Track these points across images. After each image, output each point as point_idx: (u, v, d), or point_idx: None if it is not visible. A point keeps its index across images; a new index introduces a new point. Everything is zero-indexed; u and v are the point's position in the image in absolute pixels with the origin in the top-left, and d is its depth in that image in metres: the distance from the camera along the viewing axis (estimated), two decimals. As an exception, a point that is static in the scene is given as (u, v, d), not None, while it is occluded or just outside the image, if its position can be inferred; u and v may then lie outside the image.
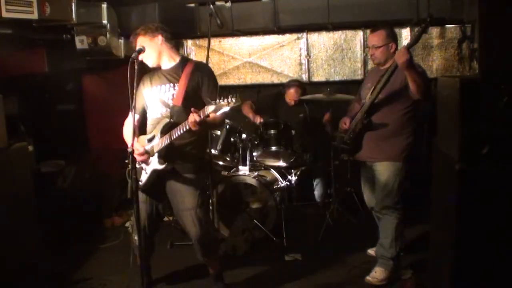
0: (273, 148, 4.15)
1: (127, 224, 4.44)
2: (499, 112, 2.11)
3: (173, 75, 2.86)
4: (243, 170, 4.09)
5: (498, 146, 2.12)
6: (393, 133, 3.10)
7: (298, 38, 5.04)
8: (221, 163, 4.28)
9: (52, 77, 4.53)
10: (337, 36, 4.94)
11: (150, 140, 2.83)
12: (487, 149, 2.12)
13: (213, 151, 3.98)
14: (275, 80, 5.16)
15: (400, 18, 4.35)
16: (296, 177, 4.48)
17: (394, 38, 3.13)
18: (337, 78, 5.01)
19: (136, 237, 2.76)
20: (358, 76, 4.90)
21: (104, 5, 4.18)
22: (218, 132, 4.06)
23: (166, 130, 2.74)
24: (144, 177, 2.85)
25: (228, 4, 4.57)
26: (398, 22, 4.39)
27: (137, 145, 2.79)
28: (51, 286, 3.34)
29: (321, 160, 4.65)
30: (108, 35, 4.28)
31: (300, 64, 5.08)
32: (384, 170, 3.13)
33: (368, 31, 3.90)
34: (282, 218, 4.03)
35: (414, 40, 2.91)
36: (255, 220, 3.92)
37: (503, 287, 2.23)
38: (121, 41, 4.46)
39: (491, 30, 2.22)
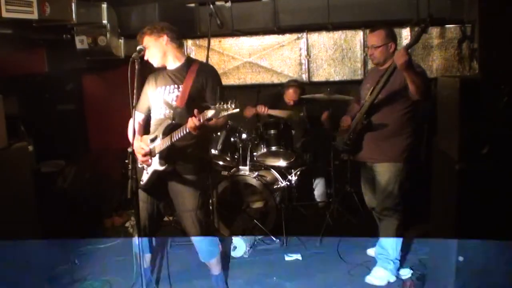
0: (273, 148, 4.15)
1: (127, 224, 4.44)
2: (499, 112, 2.11)
3: (177, 76, 2.85)
4: (243, 170, 4.09)
5: (498, 146, 2.12)
6: (393, 134, 3.09)
7: (298, 38, 5.03)
8: (221, 163, 4.28)
9: (52, 77, 4.53)
10: (337, 36, 4.94)
11: (152, 141, 2.82)
12: (487, 149, 2.12)
13: (213, 151, 3.98)
14: (275, 80, 5.16)
15: (400, 18, 4.35)
16: (296, 177, 4.47)
17: (393, 38, 3.13)
18: (337, 78, 5.01)
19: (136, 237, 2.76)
20: (358, 76, 4.90)
21: (104, 5, 4.18)
22: (218, 132, 4.06)
23: (168, 131, 2.73)
24: (145, 177, 2.86)
25: (228, 4, 4.57)
26: (398, 22, 4.39)
27: (142, 144, 2.80)
28: (51, 286, 3.34)
29: (321, 160, 4.65)
30: (108, 35, 4.28)
31: (300, 64, 5.08)
32: (384, 171, 3.13)
33: (368, 31, 3.89)
34: (282, 218, 4.03)
35: (414, 41, 2.90)
36: (255, 220, 3.91)
37: (503, 287, 2.24)
38: (121, 41, 4.46)
39: (491, 30, 2.22)
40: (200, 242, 2.88)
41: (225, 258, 3.52)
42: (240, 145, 4.15)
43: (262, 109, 4.49)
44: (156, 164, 2.78)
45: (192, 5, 4.69)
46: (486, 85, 2.15)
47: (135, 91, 2.54)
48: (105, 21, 4.23)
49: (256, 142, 4.21)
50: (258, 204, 4.14)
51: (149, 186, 2.87)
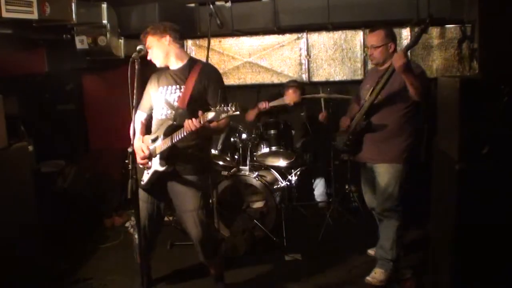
0: (273, 148, 4.16)
1: (127, 224, 4.44)
2: (499, 112, 2.10)
3: (180, 77, 2.85)
4: (243, 170, 4.09)
5: (498, 146, 2.12)
6: (392, 134, 3.09)
7: (298, 38, 5.04)
8: (221, 163, 4.28)
9: (52, 77, 4.53)
10: (337, 36, 4.94)
11: (153, 141, 2.82)
12: (487, 149, 2.12)
13: (213, 151, 3.98)
14: (275, 80, 5.16)
15: (400, 18, 4.35)
16: (296, 177, 4.48)
17: (393, 38, 3.12)
18: (337, 78, 5.01)
19: (136, 236, 2.76)
20: (358, 76, 4.90)
21: (104, 5, 4.18)
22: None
23: (169, 132, 2.73)
24: (145, 177, 2.85)
25: (228, 4, 4.57)
26: (398, 22, 4.39)
27: (143, 145, 2.80)
28: (51, 286, 3.34)
29: (321, 160, 4.65)
30: (108, 35, 4.28)
31: (300, 64, 5.08)
32: (384, 172, 3.12)
33: (367, 31, 3.89)
34: (282, 218, 4.04)
35: (414, 41, 2.90)
36: (255, 220, 3.92)
37: (503, 287, 2.23)
38: (121, 41, 4.46)
39: (491, 30, 2.22)
40: (200, 242, 2.87)
41: (225, 258, 3.52)
42: (240, 145, 4.15)
43: (264, 105, 4.50)
44: (156, 165, 2.78)
45: (192, 5, 4.69)
46: (486, 85, 2.15)
47: (135, 91, 2.54)
48: (105, 21, 4.22)
49: (256, 142, 4.21)
50: (258, 204, 4.14)
51: (149, 186, 2.87)
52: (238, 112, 2.41)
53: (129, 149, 2.53)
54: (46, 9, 3.40)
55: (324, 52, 5.00)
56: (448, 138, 2.34)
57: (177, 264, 3.65)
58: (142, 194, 2.92)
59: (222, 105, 2.43)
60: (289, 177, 4.42)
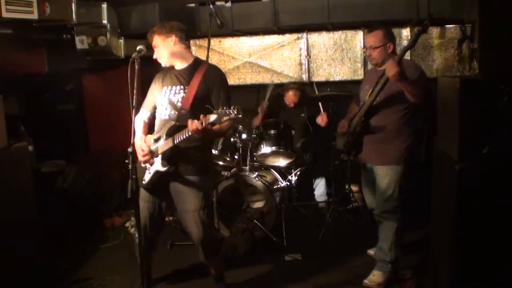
0: (273, 148, 4.15)
1: (127, 224, 4.44)
2: (499, 112, 2.10)
3: (184, 77, 2.84)
4: (243, 170, 4.09)
5: (498, 146, 2.12)
6: (392, 135, 3.07)
7: (298, 38, 5.03)
8: (221, 163, 4.28)
9: (52, 77, 4.53)
10: (337, 36, 4.94)
11: (156, 141, 2.82)
12: (487, 149, 2.12)
13: (213, 151, 3.98)
14: (275, 80, 5.16)
15: (400, 18, 4.35)
16: (296, 177, 4.48)
17: (391, 38, 3.09)
18: (337, 78, 5.01)
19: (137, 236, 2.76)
20: (358, 76, 4.90)
21: (104, 5, 4.18)
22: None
23: (171, 132, 2.73)
24: (147, 177, 2.85)
25: (228, 4, 4.57)
26: (398, 22, 4.39)
27: (143, 144, 2.80)
28: (51, 286, 3.34)
29: (321, 160, 4.65)
30: (108, 35, 4.28)
31: (300, 64, 5.08)
32: (384, 175, 3.11)
33: (366, 32, 3.89)
34: (282, 218, 4.04)
35: (412, 42, 2.89)
36: (255, 220, 3.92)
37: (503, 287, 2.23)
38: (121, 41, 4.46)
39: (491, 30, 2.21)
40: (201, 242, 2.87)
41: (225, 258, 3.52)
42: (240, 145, 4.15)
43: (263, 106, 4.52)
44: (158, 165, 2.78)
45: (192, 5, 4.70)
46: (486, 85, 2.15)
47: (135, 91, 2.54)
48: (105, 21, 4.22)
49: (256, 142, 4.21)
50: (258, 204, 4.14)
51: (151, 185, 2.86)
52: (240, 116, 2.41)
53: (129, 149, 2.52)
54: (46, 9, 3.40)
55: (324, 52, 5.00)
56: (448, 138, 2.34)
57: (177, 264, 3.65)
58: (143, 193, 2.92)
59: (224, 107, 2.43)
60: (289, 177, 4.42)
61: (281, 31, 4.93)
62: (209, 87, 2.80)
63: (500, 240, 2.18)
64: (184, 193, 2.85)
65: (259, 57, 5.15)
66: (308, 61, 5.03)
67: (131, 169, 2.48)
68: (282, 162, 4.34)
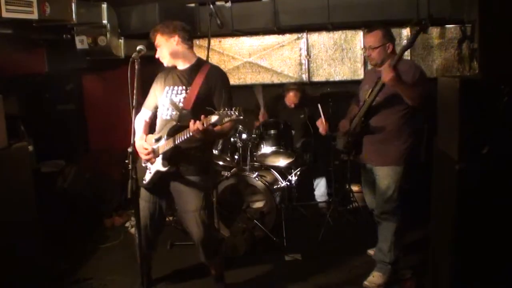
0: (273, 148, 4.15)
1: (127, 224, 4.44)
2: (499, 112, 2.10)
3: (186, 77, 2.84)
4: (243, 170, 4.09)
5: (498, 146, 2.12)
6: (391, 136, 3.06)
7: (298, 38, 5.04)
8: (221, 163, 4.28)
9: (52, 77, 4.53)
10: (337, 36, 4.94)
11: (157, 140, 2.82)
12: (487, 149, 2.12)
13: (213, 151, 3.97)
14: (275, 80, 5.16)
15: (400, 18, 4.35)
16: (296, 177, 4.48)
17: (391, 38, 3.08)
18: (337, 78, 5.01)
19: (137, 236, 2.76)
20: (358, 76, 4.90)
21: (104, 5, 4.18)
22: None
23: (172, 133, 2.72)
24: (148, 177, 2.85)
25: (228, 4, 4.57)
26: (398, 22, 4.39)
27: (145, 143, 2.80)
28: (51, 286, 3.34)
29: (321, 160, 4.65)
30: (108, 35, 4.28)
31: (300, 64, 5.08)
32: (384, 175, 3.10)
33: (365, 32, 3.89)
34: (282, 218, 4.04)
35: (410, 43, 2.88)
36: (255, 220, 3.92)
37: (503, 287, 2.23)
38: (121, 41, 4.46)
39: (491, 30, 2.21)
40: (202, 242, 2.87)
41: (225, 258, 3.52)
42: (240, 145, 4.15)
43: (263, 115, 4.53)
44: (159, 165, 2.77)
45: (192, 5, 4.70)
46: (486, 85, 2.15)
47: (135, 91, 2.53)
48: (105, 21, 4.22)
49: (256, 142, 4.21)
50: (258, 204, 4.14)
51: (151, 185, 2.86)
52: (241, 117, 2.40)
53: (129, 149, 2.52)
54: (46, 9, 3.40)
55: (324, 52, 5.00)
56: (448, 138, 2.34)
57: (177, 264, 3.65)
58: (144, 193, 2.92)
59: (226, 109, 2.42)
60: (289, 177, 4.42)
61: (281, 31, 4.94)
62: (211, 88, 2.79)
63: (500, 240, 2.18)
64: (185, 193, 2.84)
65: (259, 57, 5.15)
66: (308, 61, 5.03)
67: (131, 169, 2.48)
68: (282, 162, 4.34)
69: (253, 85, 4.99)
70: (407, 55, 4.64)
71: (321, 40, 4.98)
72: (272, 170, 4.34)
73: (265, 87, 5.19)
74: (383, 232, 3.22)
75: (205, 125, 2.48)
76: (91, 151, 5.19)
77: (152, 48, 2.97)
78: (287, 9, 4.58)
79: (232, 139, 4.18)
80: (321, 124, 4.31)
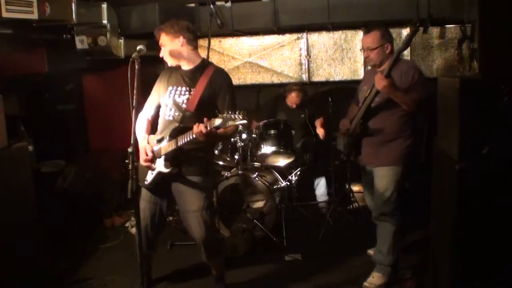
0: (273, 148, 4.15)
1: (127, 224, 4.44)
2: (499, 112, 2.10)
3: (190, 78, 2.82)
4: (243, 170, 4.08)
5: (498, 146, 2.12)
6: (391, 137, 3.05)
7: (298, 38, 5.04)
8: (221, 163, 4.28)
9: (52, 77, 4.53)
10: (337, 36, 4.95)
11: (159, 141, 2.81)
12: (487, 149, 2.12)
13: (214, 151, 3.97)
14: (275, 80, 5.17)
15: (400, 18, 4.35)
16: (296, 177, 4.48)
17: (389, 39, 3.04)
18: (337, 78, 5.02)
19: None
20: (358, 76, 4.91)
21: (104, 5, 4.18)
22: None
23: (175, 134, 2.71)
24: (149, 177, 2.84)
25: (228, 4, 4.57)
26: (398, 22, 4.39)
27: (147, 146, 2.79)
28: (51, 286, 3.34)
29: (322, 160, 4.65)
30: (108, 35, 4.28)
31: (300, 64, 5.08)
32: (383, 176, 3.08)
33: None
34: (282, 218, 4.04)
35: (404, 46, 2.85)
36: (255, 220, 3.92)
37: (503, 287, 2.23)
38: (121, 41, 4.46)
39: (491, 30, 2.21)
40: (204, 243, 2.87)
41: (225, 258, 3.53)
42: (240, 145, 4.15)
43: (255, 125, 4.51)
44: (161, 166, 2.76)
45: (192, 5, 4.70)
46: (486, 85, 2.14)
47: (135, 91, 2.53)
48: (105, 21, 4.22)
49: (256, 142, 4.21)
50: (258, 204, 4.14)
51: (153, 185, 2.86)
52: (245, 121, 2.39)
53: (129, 149, 2.52)
54: (46, 9, 3.40)
55: (324, 52, 5.00)
56: (448, 138, 2.34)
57: (177, 264, 3.65)
58: (145, 193, 2.92)
59: (230, 112, 2.41)
60: (289, 177, 4.42)
61: (281, 31, 4.94)
62: (215, 90, 2.78)
63: (500, 240, 2.18)
64: (186, 193, 2.84)
65: (259, 57, 5.15)
66: (308, 61, 5.04)
67: (131, 169, 2.48)
68: (282, 162, 4.34)
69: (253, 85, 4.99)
70: (407, 55, 4.66)
71: (321, 40, 4.99)
72: (272, 170, 4.34)
73: (265, 87, 5.20)
74: (382, 234, 3.20)
75: (208, 128, 2.46)
76: (91, 151, 5.19)
77: (152, 48, 2.97)
78: (287, 9, 4.58)
79: (232, 139, 4.18)
80: (319, 130, 4.32)
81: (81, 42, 4.29)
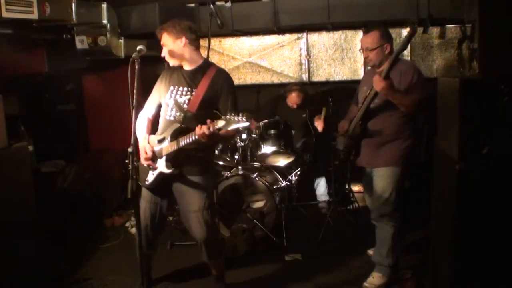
0: (273, 148, 4.15)
1: (127, 224, 4.44)
2: (499, 112, 2.10)
3: (192, 79, 2.81)
4: (243, 170, 4.08)
5: (498, 146, 2.12)
6: (390, 138, 3.04)
7: (298, 38, 5.04)
8: (221, 163, 4.28)
9: (52, 77, 4.53)
10: (337, 36, 4.95)
11: (160, 141, 2.80)
12: (487, 149, 2.12)
13: (214, 151, 3.97)
14: (275, 80, 5.17)
15: (400, 18, 4.34)
16: (296, 177, 4.48)
17: (388, 39, 3.02)
18: (337, 78, 5.02)
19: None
20: (358, 76, 4.90)
21: (104, 5, 4.18)
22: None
23: (176, 135, 2.71)
24: (150, 177, 2.84)
25: (228, 4, 4.57)
26: (398, 22, 4.38)
27: (147, 145, 2.79)
28: (51, 286, 3.34)
29: (322, 160, 4.65)
30: (108, 35, 4.28)
31: (300, 64, 5.08)
32: (382, 176, 3.08)
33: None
34: (282, 218, 4.04)
35: (403, 46, 2.83)
36: (255, 220, 3.92)
37: (503, 287, 2.23)
38: (121, 41, 4.46)
39: (491, 30, 2.21)
40: (205, 242, 2.87)
41: (225, 258, 3.53)
42: (240, 145, 4.15)
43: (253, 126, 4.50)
44: (163, 167, 2.76)
45: (192, 5, 4.69)
46: (486, 85, 2.14)
47: (135, 91, 2.53)
48: (105, 21, 4.22)
49: (256, 142, 4.21)
50: (258, 204, 4.14)
51: (154, 186, 2.86)
52: (248, 123, 2.39)
53: (129, 149, 2.52)
54: (46, 9, 3.40)
55: (324, 52, 5.00)
56: (448, 138, 2.34)
57: (177, 264, 3.65)
58: (145, 193, 2.92)
59: (233, 114, 2.41)
60: (289, 177, 4.42)
61: (281, 31, 4.94)
62: (217, 91, 2.77)
63: (500, 240, 2.18)
64: (187, 193, 2.84)
65: (259, 57, 5.15)
66: (308, 61, 5.04)
67: (131, 169, 2.48)
68: (282, 162, 4.33)
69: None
70: (406, 55, 4.66)
71: (321, 40, 4.99)
72: (272, 170, 4.34)
73: (265, 87, 5.20)
74: (381, 235, 3.19)
75: (211, 130, 2.46)
76: (91, 151, 5.19)
77: (152, 48, 2.97)
78: (287, 9, 4.58)
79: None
80: (318, 122, 4.31)
81: (81, 42, 4.29)
